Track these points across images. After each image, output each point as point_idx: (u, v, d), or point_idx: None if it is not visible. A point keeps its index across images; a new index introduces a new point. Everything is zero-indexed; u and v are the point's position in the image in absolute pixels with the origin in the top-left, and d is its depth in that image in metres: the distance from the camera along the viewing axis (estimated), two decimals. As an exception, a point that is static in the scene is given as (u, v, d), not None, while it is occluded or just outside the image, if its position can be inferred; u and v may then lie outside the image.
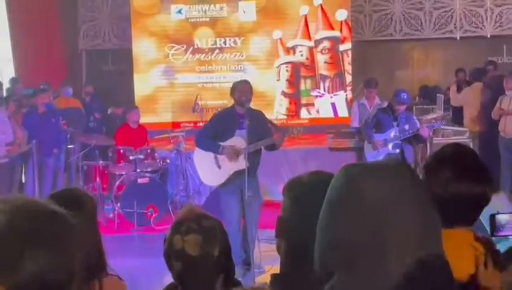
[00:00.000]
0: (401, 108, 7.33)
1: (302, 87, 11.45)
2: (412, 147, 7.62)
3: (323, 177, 1.64)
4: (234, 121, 6.01)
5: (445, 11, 12.05)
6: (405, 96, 7.37)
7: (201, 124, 9.14)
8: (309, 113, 11.44)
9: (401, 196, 1.07)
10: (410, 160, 7.52)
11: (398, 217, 1.05)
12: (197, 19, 11.34)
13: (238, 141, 5.94)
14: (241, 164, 5.84)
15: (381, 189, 1.07)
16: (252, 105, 6.23)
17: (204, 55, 11.32)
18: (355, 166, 1.13)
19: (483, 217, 2.15)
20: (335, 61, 11.38)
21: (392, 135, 7.42)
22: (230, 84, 6.41)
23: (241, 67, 11.32)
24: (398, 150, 7.42)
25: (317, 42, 11.36)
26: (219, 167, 6.06)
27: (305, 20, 11.32)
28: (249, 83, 6.26)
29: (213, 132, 6.07)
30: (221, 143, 6.03)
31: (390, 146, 7.43)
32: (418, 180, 1.13)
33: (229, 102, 6.26)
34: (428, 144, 8.38)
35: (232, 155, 5.94)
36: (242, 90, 6.01)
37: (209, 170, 6.12)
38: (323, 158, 9.25)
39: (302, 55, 11.40)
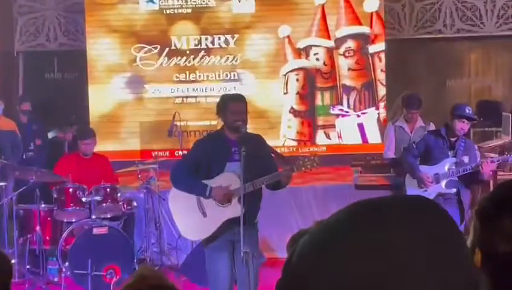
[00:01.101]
0: (464, 127, 7.25)
1: (319, 102, 11.54)
2: (468, 188, 7.56)
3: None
4: (224, 151, 5.99)
5: (513, -1, 12.13)
6: (470, 111, 7.34)
7: (180, 152, 9.16)
8: (328, 138, 11.50)
9: (418, 250, 1.08)
10: (468, 207, 7.47)
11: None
12: (175, 11, 11.48)
13: (229, 178, 5.91)
14: (235, 209, 5.82)
15: (391, 236, 1.08)
16: (250, 127, 6.24)
17: (185, 59, 11.43)
18: (366, 203, 1.16)
19: None
20: (363, 67, 11.49)
21: (446, 168, 7.36)
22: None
23: (234, 76, 11.44)
24: (454, 190, 7.37)
25: (339, 42, 11.47)
26: (204, 214, 6.02)
27: (323, 12, 11.44)
28: (244, 98, 6.25)
29: (195, 166, 6.03)
30: (208, 182, 6.00)
31: (443, 184, 7.38)
32: (451, 233, 1.13)
33: (220, 123, 6.26)
34: (491, 182, 8.36)
35: (224, 199, 5.93)
36: (235, 109, 5.98)
37: (191, 218, 6.07)
38: (348, 199, 9.23)
39: (318, 59, 11.51)
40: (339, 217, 1.16)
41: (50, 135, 11.07)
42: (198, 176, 6.01)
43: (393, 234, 1.09)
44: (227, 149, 5.98)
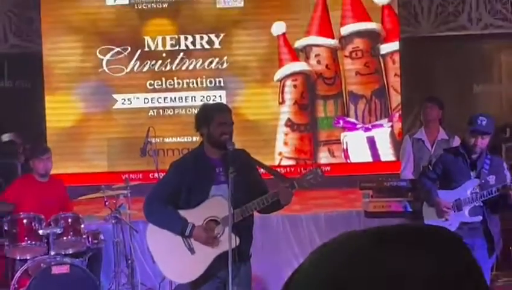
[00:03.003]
0: (478, 143, 7.27)
1: (321, 114, 11.61)
2: (496, 214, 7.54)
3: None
4: (208, 173, 5.99)
5: (551, -11, 12.21)
6: (484, 122, 7.34)
7: (155, 175, 9.15)
8: (332, 156, 11.57)
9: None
10: (498, 237, 7.45)
11: None
12: (149, 5, 11.57)
13: (218, 204, 5.89)
14: (225, 242, 5.80)
15: (410, 273, 1.12)
16: (237, 144, 6.21)
17: (160, 63, 11.51)
18: (367, 232, 1.19)
19: None
20: (373, 71, 11.58)
21: (468, 192, 7.38)
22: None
23: (220, 83, 11.51)
24: (480, 218, 7.39)
25: (345, 41, 11.57)
26: (192, 250, 6.00)
27: (324, 6, 11.54)
28: (229, 108, 6.29)
29: (173, 193, 6.02)
30: (193, 211, 5.97)
31: (466, 211, 7.38)
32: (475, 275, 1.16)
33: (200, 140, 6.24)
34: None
35: (207, 243, 5.93)
36: (223, 121, 6.01)
37: (176, 257, 6.03)
38: (357, 229, 9.23)
39: (319, 61, 11.59)
40: (337, 248, 1.21)
41: (4, 138, 11.04)
42: (178, 204, 6.00)
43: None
44: (211, 170, 5.98)
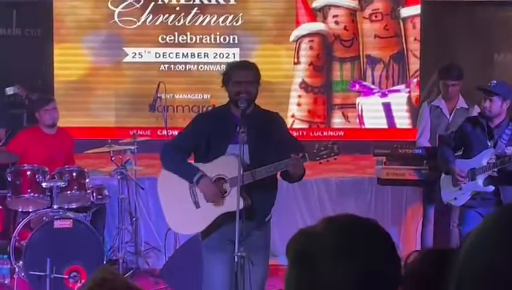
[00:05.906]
0: (487, 105, 7.18)
1: (337, 76, 11.56)
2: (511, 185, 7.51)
3: (351, 228, 1.68)
4: (228, 130, 5.99)
5: None
6: (493, 84, 7.31)
7: (164, 132, 9.17)
8: (347, 120, 11.55)
9: None
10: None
11: None
12: (164, -43, 11.46)
13: (229, 162, 5.87)
14: (234, 202, 5.80)
15: None
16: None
17: (173, 17, 11.44)
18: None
19: None
20: (393, 34, 11.52)
21: (484, 162, 7.39)
22: (216, 67, 6.40)
23: (234, 40, 11.43)
24: (492, 188, 7.38)
25: (365, 2, 11.49)
26: (197, 204, 6.02)
27: (345, -36, 11.45)
28: (252, 66, 6.23)
29: (191, 144, 6.07)
30: (204, 166, 5.97)
31: (480, 181, 7.41)
32: None
33: (214, 97, 6.27)
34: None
35: (211, 198, 5.94)
36: (237, 79, 5.99)
37: (180, 208, 6.06)
38: (368, 196, 9.26)
39: (337, 22, 11.52)
40: None
41: (9, 91, 11.02)
42: (196, 157, 6.06)
43: None
44: (231, 128, 5.96)
